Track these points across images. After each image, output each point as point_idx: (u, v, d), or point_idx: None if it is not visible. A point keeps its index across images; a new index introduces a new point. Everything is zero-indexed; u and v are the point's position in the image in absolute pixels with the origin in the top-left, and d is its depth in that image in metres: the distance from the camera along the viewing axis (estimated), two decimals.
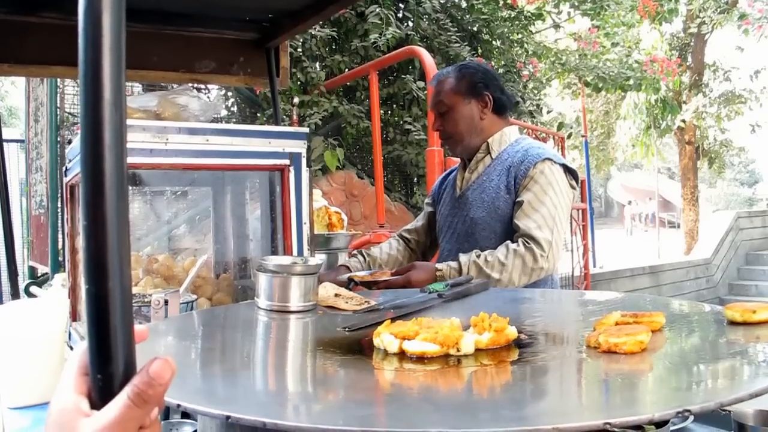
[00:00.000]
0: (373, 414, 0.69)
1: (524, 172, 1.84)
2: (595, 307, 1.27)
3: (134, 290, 1.66)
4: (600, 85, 7.96)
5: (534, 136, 5.28)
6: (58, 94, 4.05)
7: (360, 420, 0.62)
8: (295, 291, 1.28)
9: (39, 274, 4.41)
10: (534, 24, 7.77)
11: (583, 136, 8.77)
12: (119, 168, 0.49)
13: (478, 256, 1.77)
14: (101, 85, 0.47)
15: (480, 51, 6.43)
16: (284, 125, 3.80)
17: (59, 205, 3.82)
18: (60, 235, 3.79)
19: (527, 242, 1.76)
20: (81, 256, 1.73)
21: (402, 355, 0.87)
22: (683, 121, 11.79)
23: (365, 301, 1.33)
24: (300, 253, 1.74)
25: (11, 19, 2.14)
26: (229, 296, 1.93)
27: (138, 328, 0.55)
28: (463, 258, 1.77)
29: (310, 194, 1.80)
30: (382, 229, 3.87)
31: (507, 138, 1.99)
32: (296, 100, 4.54)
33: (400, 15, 5.98)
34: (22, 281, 3.92)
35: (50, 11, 2.14)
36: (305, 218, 1.76)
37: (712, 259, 9.17)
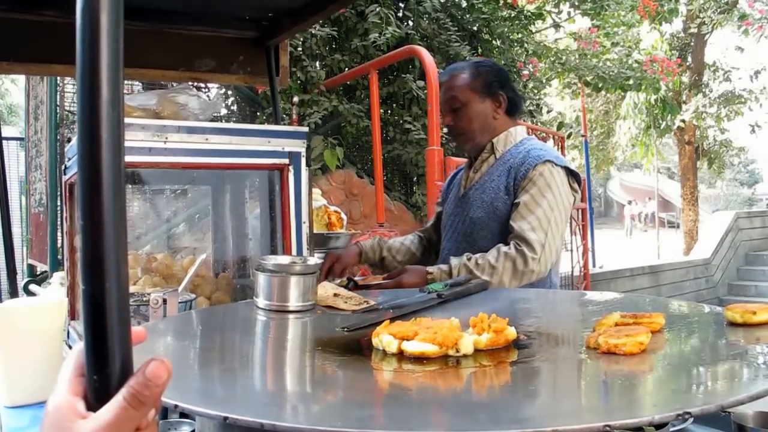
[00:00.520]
0: (372, 415, 0.68)
1: (524, 174, 1.82)
2: (595, 308, 1.27)
3: (133, 289, 1.66)
4: (600, 84, 7.96)
5: (533, 135, 5.27)
6: (58, 92, 4.05)
7: (359, 421, 0.62)
8: (294, 291, 1.27)
9: (38, 273, 4.41)
10: (534, 23, 7.76)
11: (582, 136, 8.77)
12: (116, 167, 0.48)
13: (469, 259, 1.75)
14: (98, 83, 0.47)
15: (480, 50, 6.43)
16: (284, 124, 3.80)
17: (58, 203, 3.82)
18: (59, 234, 3.79)
19: (519, 244, 1.75)
20: (78, 255, 1.73)
21: (401, 355, 0.87)
22: (683, 121, 11.79)
23: (364, 301, 1.33)
24: (299, 252, 1.74)
25: (11, 17, 2.14)
26: (228, 295, 1.92)
27: (136, 329, 0.54)
28: (454, 261, 1.77)
29: (310, 193, 1.80)
30: (382, 229, 3.86)
31: (512, 138, 1.97)
32: (296, 99, 4.55)
33: (400, 14, 5.98)
34: (21, 279, 3.91)
35: (50, 9, 2.14)
36: (305, 217, 1.76)
37: (711, 259, 9.18)
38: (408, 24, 6.02)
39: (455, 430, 0.63)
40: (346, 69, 5.36)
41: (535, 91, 7.32)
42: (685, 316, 1.11)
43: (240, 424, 0.59)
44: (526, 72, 7.17)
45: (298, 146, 1.74)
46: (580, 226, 6.49)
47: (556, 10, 8.26)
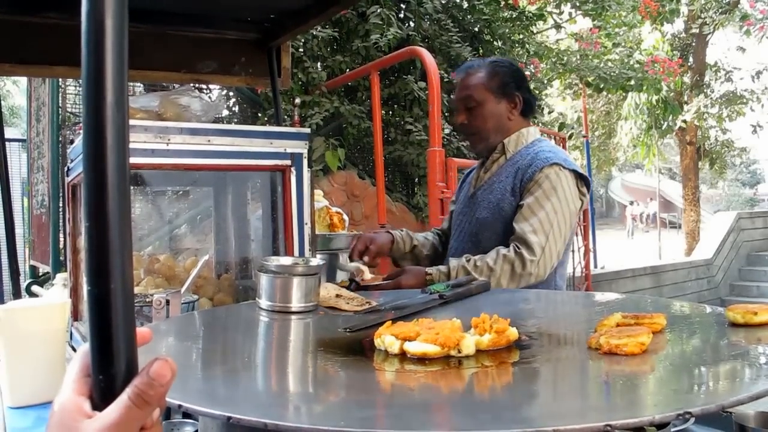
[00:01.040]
0: (374, 415, 0.69)
1: (530, 176, 1.80)
2: (596, 309, 1.27)
3: (136, 290, 1.66)
4: (601, 85, 7.95)
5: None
6: (60, 94, 4.05)
7: (361, 421, 0.62)
8: (296, 291, 1.28)
9: (40, 274, 4.42)
10: (535, 24, 7.77)
11: (584, 137, 8.76)
12: (121, 170, 0.49)
13: (468, 261, 1.75)
14: (104, 87, 0.48)
15: (481, 51, 6.43)
16: (286, 125, 3.81)
17: (60, 204, 3.83)
18: (61, 235, 3.79)
19: (518, 247, 1.73)
20: (83, 256, 1.74)
21: (403, 356, 0.87)
22: (684, 121, 11.79)
23: (366, 302, 1.33)
24: (301, 253, 1.74)
25: (13, 19, 2.15)
26: (231, 296, 1.93)
27: (141, 330, 0.55)
28: (453, 262, 1.76)
29: (312, 194, 1.80)
30: (383, 230, 3.86)
31: (524, 139, 1.94)
32: (298, 100, 4.56)
33: (401, 15, 5.98)
34: (24, 280, 3.92)
35: (52, 11, 2.14)
36: (306, 218, 1.76)
37: (713, 259, 9.17)
38: (409, 25, 6.02)
39: (457, 430, 0.64)
40: (348, 70, 5.37)
41: (537, 92, 7.32)
42: (686, 317, 1.12)
43: (243, 424, 0.59)
44: (527, 73, 7.17)
45: (300, 147, 1.74)
46: (582, 227, 6.49)
47: (558, 11, 8.27)
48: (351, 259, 1.94)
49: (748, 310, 0.93)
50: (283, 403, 0.75)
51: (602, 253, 8.89)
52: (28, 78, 4.60)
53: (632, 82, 8.05)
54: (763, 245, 10.14)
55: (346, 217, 2.44)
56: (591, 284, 6.55)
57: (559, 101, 12.40)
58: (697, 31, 11.26)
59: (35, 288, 3.34)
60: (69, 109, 4.18)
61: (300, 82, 5.18)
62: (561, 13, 8.30)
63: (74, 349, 1.62)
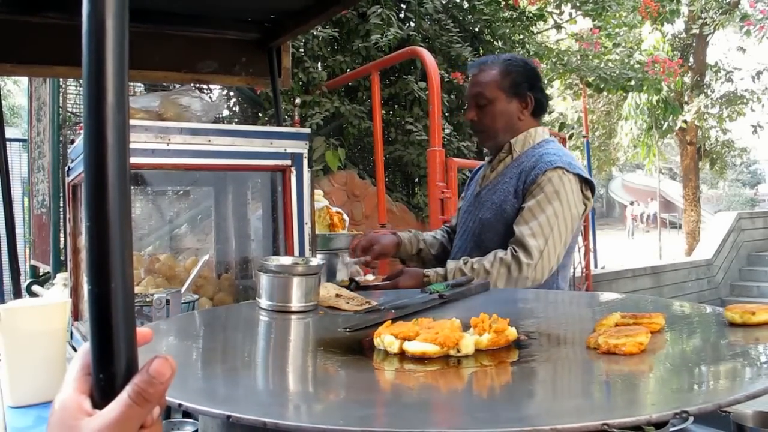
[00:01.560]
0: (374, 414, 0.69)
1: (533, 179, 1.79)
2: (596, 308, 1.28)
3: (136, 290, 1.67)
4: (601, 85, 7.95)
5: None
6: (61, 94, 4.06)
7: (360, 420, 0.62)
8: (296, 291, 1.28)
9: (41, 273, 4.42)
10: (536, 24, 7.77)
11: (584, 137, 8.76)
12: (122, 170, 0.49)
13: (465, 263, 1.75)
14: (104, 87, 0.48)
15: (481, 51, 6.43)
16: (286, 125, 3.81)
17: (61, 204, 3.83)
18: (62, 235, 3.79)
19: (515, 250, 1.73)
20: (84, 256, 1.74)
21: (402, 355, 0.87)
22: (685, 121, 11.80)
23: (366, 302, 1.33)
24: (301, 253, 1.75)
25: (14, 19, 2.15)
26: (231, 296, 1.93)
27: (142, 330, 0.55)
28: (450, 264, 1.76)
29: (312, 194, 1.80)
30: (384, 230, 3.87)
31: (531, 139, 1.92)
32: (298, 100, 4.56)
33: (401, 15, 5.98)
34: (24, 280, 3.92)
35: (53, 11, 2.14)
36: (307, 218, 1.77)
37: (713, 259, 9.17)
38: (409, 25, 6.02)
39: (456, 429, 0.64)
40: (348, 70, 5.37)
41: None
42: (685, 317, 1.12)
43: (243, 423, 0.60)
44: None
45: (301, 147, 1.75)
46: (582, 227, 6.49)
47: (558, 11, 8.27)
48: (351, 256, 1.95)
49: (746, 310, 0.93)
50: (283, 402, 0.75)
51: (602, 253, 8.90)
52: (29, 78, 4.60)
53: (632, 83, 8.05)
54: (763, 245, 10.15)
55: (346, 217, 2.44)
56: (591, 284, 6.55)
57: (560, 101, 12.41)
58: (698, 31, 11.27)
59: (36, 288, 3.35)
60: (69, 109, 4.18)
61: (300, 82, 5.18)
62: (561, 13, 8.30)
63: (75, 349, 1.62)
